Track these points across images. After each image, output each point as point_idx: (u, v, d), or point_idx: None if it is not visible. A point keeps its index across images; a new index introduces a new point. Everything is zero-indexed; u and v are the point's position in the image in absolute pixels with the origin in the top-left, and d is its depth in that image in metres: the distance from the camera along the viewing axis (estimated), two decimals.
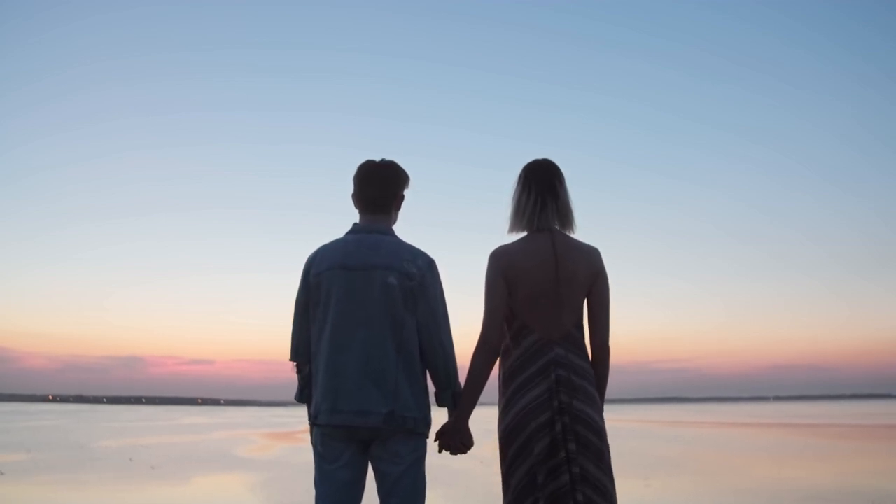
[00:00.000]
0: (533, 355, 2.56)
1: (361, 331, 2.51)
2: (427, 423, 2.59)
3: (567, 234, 2.67)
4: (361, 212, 2.71)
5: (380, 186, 2.67)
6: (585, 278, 2.60)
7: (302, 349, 2.65)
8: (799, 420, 40.17)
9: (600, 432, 2.53)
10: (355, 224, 2.70)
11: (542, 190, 2.65)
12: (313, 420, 2.58)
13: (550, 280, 2.57)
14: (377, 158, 2.74)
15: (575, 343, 2.59)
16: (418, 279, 2.55)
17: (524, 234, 2.68)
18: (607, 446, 2.56)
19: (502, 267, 2.59)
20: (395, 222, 2.75)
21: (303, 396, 2.68)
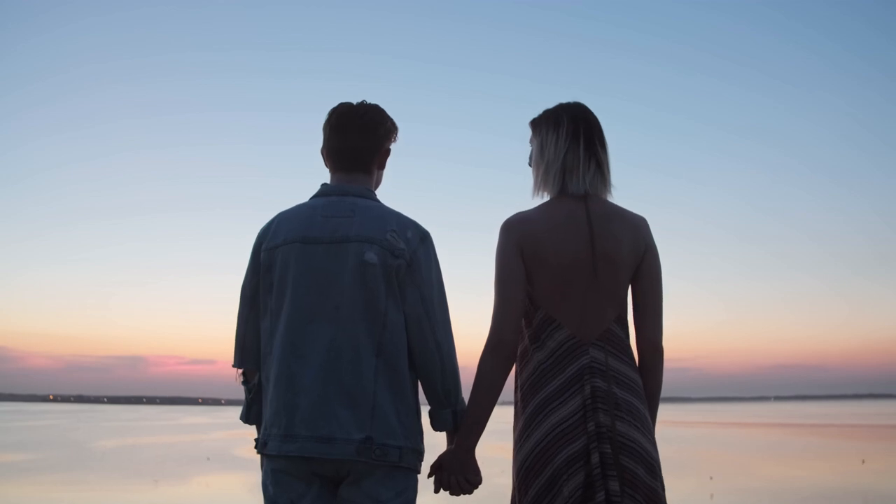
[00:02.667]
0: (560, 360, 1.90)
1: (327, 326, 1.84)
2: (418, 454, 1.91)
3: (604, 198, 2.02)
4: (333, 169, 2.04)
5: (358, 135, 1.99)
6: (630, 255, 1.95)
7: (249, 352, 1.98)
8: (800, 420, 40.15)
9: (653, 466, 1.86)
10: (324, 185, 2.03)
11: (593, 144, 2.00)
12: (261, 448, 1.90)
13: (584, 257, 1.92)
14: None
15: (617, 343, 1.94)
16: (407, 256, 1.88)
17: (547, 198, 2.04)
18: (662, 485, 1.89)
19: (519, 239, 1.94)
20: (378, 185, 2.09)
21: (250, 416, 2.01)
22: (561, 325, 1.93)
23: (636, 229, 1.99)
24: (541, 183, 2.03)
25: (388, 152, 2.08)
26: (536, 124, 2.07)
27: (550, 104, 2.09)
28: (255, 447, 1.92)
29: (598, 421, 1.84)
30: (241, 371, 2.02)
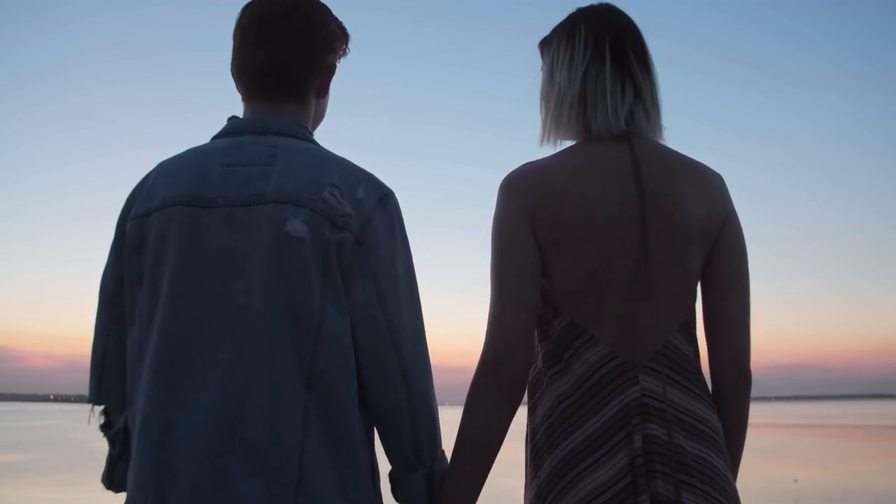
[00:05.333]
0: (594, 394, 1.23)
1: (226, 342, 1.15)
2: None
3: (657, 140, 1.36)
4: (247, 96, 1.33)
5: (285, 42, 1.30)
6: (702, 226, 1.28)
7: (111, 379, 1.30)
8: (801, 420, 40.27)
9: None
10: (232, 118, 1.33)
11: (626, 61, 1.32)
12: None
13: (630, 228, 1.25)
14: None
15: (682, 365, 1.26)
16: (356, 227, 1.19)
17: (572, 142, 1.37)
18: None
19: (528, 200, 1.27)
20: (318, 122, 1.42)
21: (114, 478, 1.32)
22: (594, 337, 1.25)
23: (710, 186, 1.32)
24: (551, 123, 1.37)
25: (332, 70, 1.38)
26: (546, 43, 1.42)
27: None
28: None
29: (655, 492, 1.16)
30: (100, 409, 1.34)
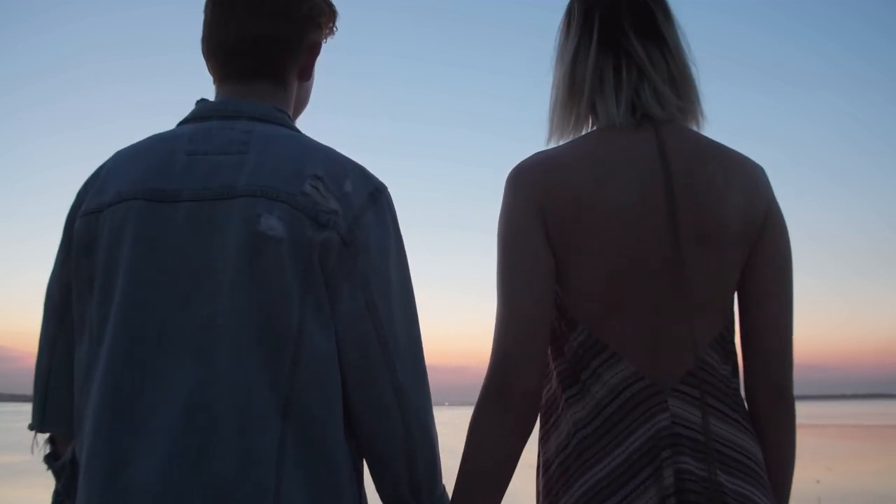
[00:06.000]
0: (617, 421, 1.06)
1: (188, 362, 0.99)
2: None
3: (690, 127, 1.17)
4: (219, 78, 1.17)
5: (262, 17, 1.13)
6: (741, 223, 1.10)
7: (57, 403, 1.13)
8: (801, 420, 40.36)
9: None
10: (201, 101, 1.17)
11: (622, 35, 1.13)
12: None
13: (653, 222, 1.08)
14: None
15: (718, 388, 1.09)
16: (343, 226, 1.02)
17: (588, 132, 1.20)
18: None
19: (538, 193, 1.10)
20: (300, 107, 1.26)
21: None
22: (617, 354, 1.08)
23: (750, 176, 1.14)
24: (550, 118, 1.21)
25: (316, 50, 1.21)
26: (564, 18, 1.24)
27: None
28: None
29: None
30: (45, 437, 1.18)
